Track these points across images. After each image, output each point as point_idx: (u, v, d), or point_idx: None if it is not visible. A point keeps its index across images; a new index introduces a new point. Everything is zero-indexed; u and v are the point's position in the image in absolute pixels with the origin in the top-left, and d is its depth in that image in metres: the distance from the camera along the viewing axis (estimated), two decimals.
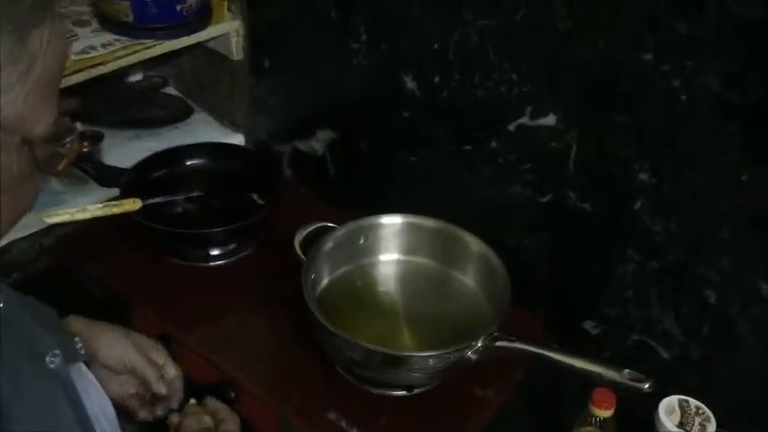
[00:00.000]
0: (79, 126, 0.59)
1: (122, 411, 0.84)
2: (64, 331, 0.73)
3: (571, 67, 0.95)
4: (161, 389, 0.86)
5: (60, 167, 0.56)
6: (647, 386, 0.82)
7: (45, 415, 0.60)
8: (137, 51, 1.21)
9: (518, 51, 0.99)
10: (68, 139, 0.56)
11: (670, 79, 0.86)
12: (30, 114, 0.51)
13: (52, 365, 0.63)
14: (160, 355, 0.88)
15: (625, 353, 1.06)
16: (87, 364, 0.75)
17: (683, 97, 0.86)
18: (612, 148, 0.96)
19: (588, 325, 1.09)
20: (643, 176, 0.94)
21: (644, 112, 0.91)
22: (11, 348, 0.59)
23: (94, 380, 0.74)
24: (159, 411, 0.88)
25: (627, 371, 0.83)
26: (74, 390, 0.67)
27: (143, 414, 0.87)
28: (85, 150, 0.57)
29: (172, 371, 0.88)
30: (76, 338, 0.74)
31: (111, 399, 0.78)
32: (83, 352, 0.74)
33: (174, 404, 0.87)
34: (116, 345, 0.84)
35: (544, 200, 1.06)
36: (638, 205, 0.97)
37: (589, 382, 0.89)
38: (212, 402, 0.88)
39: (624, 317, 1.05)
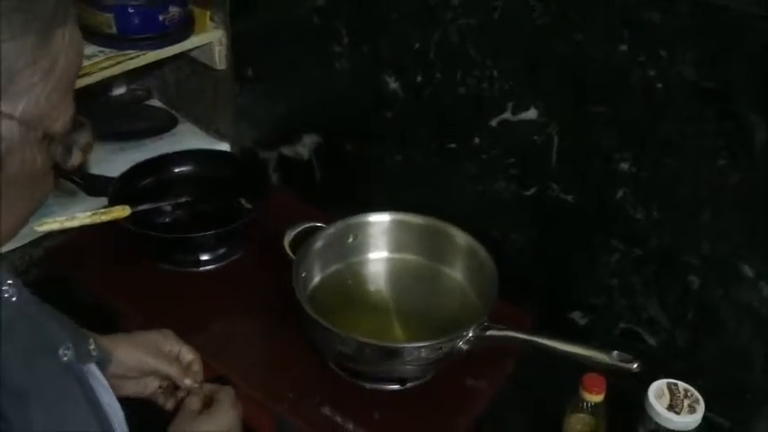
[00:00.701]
0: None
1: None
2: (77, 331, 0.74)
3: (550, 62, 0.98)
4: (187, 382, 0.86)
5: (76, 162, 0.58)
6: (635, 366, 0.83)
7: (62, 404, 0.61)
8: (120, 62, 1.22)
9: (498, 48, 1.02)
10: (83, 136, 0.57)
11: (646, 69, 0.89)
12: (51, 111, 0.53)
13: (65, 358, 0.65)
14: (173, 344, 0.89)
15: (613, 341, 1.08)
16: (100, 367, 0.76)
17: (659, 86, 0.89)
18: (593, 139, 0.98)
19: (576, 315, 1.11)
20: (624, 166, 0.97)
21: (622, 102, 0.93)
22: (26, 340, 0.60)
23: (105, 382, 0.75)
24: (181, 395, 0.88)
25: (615, 352, 0.85)
26: (88, 384, 0.68)
27: (170, 405, 0.88)
28: (80, 161, 0.59)
29: (189, 355, 0.89)
30: (90, 339, 0.76)
31: (138, 398, 0.80)
32: (95, 354, 0.75)
33: (195, 386, 0.87)
34: (131, 356, 0.85)
35: (528, 193, 1.08)
36: (620, 194, 0.99)
37: (580, 370, 0.91)
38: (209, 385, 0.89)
39: (610, 306, 1.07)
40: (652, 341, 1.04)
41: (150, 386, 0.87)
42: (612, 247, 1.03)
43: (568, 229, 1.07)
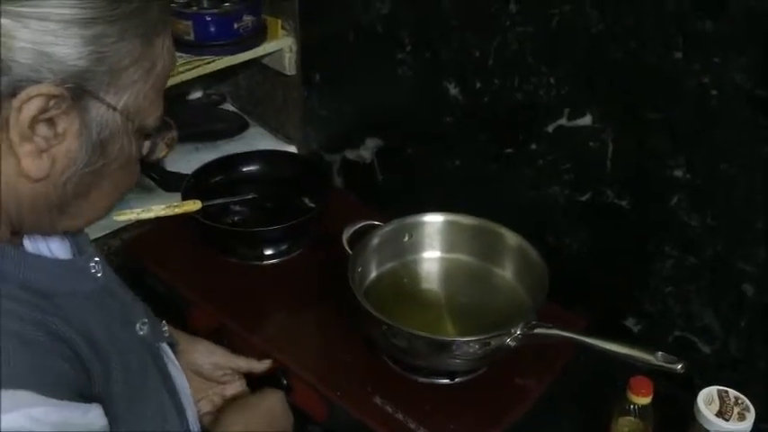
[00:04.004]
0: None
1: None
2: (152, 314, 0.81)
3: (605, 69, 0.99)
4: (260, 366, 1.01)
5: (161, 155, 0.65)
6: (679, 367, 0.84)
7: (138, 372, 0.68)
8: (197, 67, 1.30)
9: (555, 55, 1.04)
10: (168, 132, 0.64)
11: (700, 76, 0.90)
12: (147, 107, 0.59)
13: (141, 332, 0.72)
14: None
15: (667, 349, 1.07)
16: (172, 348, 0.83)
17: (714, 93, 0.89)
18: (647, 145, 0.99)
19: (630, 322, 1.11)
20: (678, 172, 0.97)
21: (676, 109, 0.94)
22: (109, 311, 0.68)
23: (176, 361, 0.81)
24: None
25: (660, 353, 0.85)
26: (161, 358, 0.75)
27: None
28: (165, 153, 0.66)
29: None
30: (163, 321, 0.83)
31: None
32: (167, 335, 0.82)
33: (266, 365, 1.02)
34: (212, 352, 0.98)
35: (583, 198, 1.09)
36: (674, 201, 0.99)
37: (628, 373, 0.91)
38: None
39: (665, 313, 1.07)
40: (706, 349, 1.04)
41: (204, 404, 0.96)
42: (667, 254, 1.03)
43: (622, 235, 1.08)
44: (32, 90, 0.52)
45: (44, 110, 0.53)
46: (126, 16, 0.55)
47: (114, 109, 0.56)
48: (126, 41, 0.55)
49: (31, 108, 0.52)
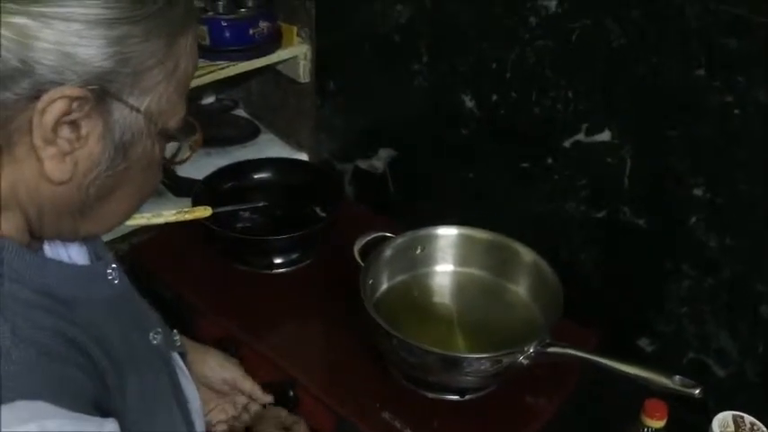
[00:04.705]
0: None
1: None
2: (164, 323, 0.80)
3: (625, 84, 0.98)
4: (265, 397, 0.98)
5: (184, 157, 0.63)
6: (697, 392, 0.82)
7: (151, 380, 0.67)
8: (212, 72, 1.30)
9: (574, 69, 1.03)
10: (192, 134, 0.63)
11: (722, 94, 0.88)
12: (170, 109, 0.58)
13: (155, 342, 0.71)
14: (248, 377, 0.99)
15: (681, 371, 1.05)
16: (182, 357, 0.81)
17: (736, 112, 0.88)
18: (667, 163, 0.98)
19: (643, 342, 1.10)
20: (698, 191, 0.96)
21: (697, 126, 0.93)
22: (125, 319, 0.66)
23: (187, 371, 0.80)
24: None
25: (678, 377, 0.84)
26: (172, 368, 0.73)
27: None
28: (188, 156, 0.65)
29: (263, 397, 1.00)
30: (175, 331, 0.82)
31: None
32: (179, 344, 0.81)
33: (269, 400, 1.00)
34: (224, 367, 0.96)
35: (599, 215, 1.08)
36: (692, 220, 0.98)
37: (642, 395, 0.90)
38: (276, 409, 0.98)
39: (679, 334, 1.05)
40: (721, 372, 1.02)
41: (216, 413, 0.96)
42: (683, 274, 1.02)
43: (638, 254, 1.06)
44: (56, 92, 0.50)
45: (67, 112, 0.51)
46: (151, 16, 0.53)
47: (138, 111, 0.55)
48: (150, 42, 0.54)
49: (55, 110, 0.51)
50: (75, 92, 0.51)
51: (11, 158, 0.53)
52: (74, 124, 0.53)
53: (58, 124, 0.52)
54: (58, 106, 0.51)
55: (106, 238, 1.22)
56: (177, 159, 0.63)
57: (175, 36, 0.56)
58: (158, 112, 0.57)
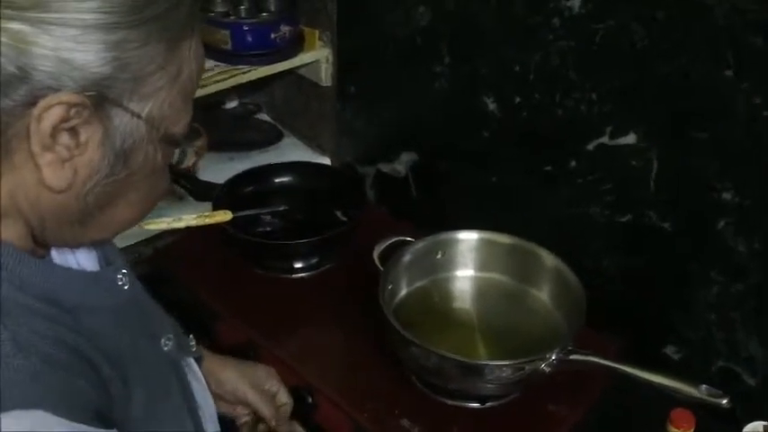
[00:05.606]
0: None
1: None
2: (177, 326, 0.79)
3: (651, 86, 0.96)
4: (276, 425, 0.92)
5: (190, 163, 0.62)
6: (725, 402, 0.80)
7: (159, 390, 0.66)
8: (233, 76, 1.30)
9: (598, 71, 1.01)
10: (197, 140, 0.62)
11: (751, 96, 0.86)
12: (172, 114, 0.57)
13: (166, 348, 0.70)
14: (274, 384, 0.94)
15: (710, 380, 1.03)
16: (198, 362, 0.81)
17: (765, 113, 0.85)
18: (694, 166, 0.95)
19: (670, 350, 1.07)
20: (726, 195, 0.93)
21: (725, 129, 0.90)
22: (134, 325, 0.66)
23: (202, 377, 0.79)
24: (261, 428, 0.94)
25: (704, 386, 0.81)
26: (184, 375, 0.73)
27: None
28: (193, 162, 0.63)
29: (284, 398, 0.94)
30: (191, 336, 0.81)
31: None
32: (194, 349, 0.80)
33: (280, 428, 0.93)
34: (234, 382, 0.91)
35: (623, 220, 1.06)
36: (721, 224, 0.95)
37: (667, 404, 0.87)
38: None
39: (708, 342, 1.02)
40: (750, 381, 0.99)
41: (239, 412, 0.93)
42: (711, 280, 0.99)
43: (664, 259, 1.04)
44: (52, 98, 0.50)
45: (65, 119, 0.51)
46: (150, 20, 0.52)
47: (139, 117, 0.54)
48: (150, 46, 0.53)
49: (52, 117, 0.50)
50: (73, 98, 0.50)
51: (10, 165, 0.53)
52: (73, 131, 0.52)
53: (56, 131, 0.51)
54: (56, 112, 0.50)
55: (130, 242, 1.24)
56: (182, 165, 0.62)
57: (177, 40, 0.55)
58: (161, 118, 0.56)
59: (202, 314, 1.13)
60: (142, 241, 1.26)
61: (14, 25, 0.48)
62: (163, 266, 1.22)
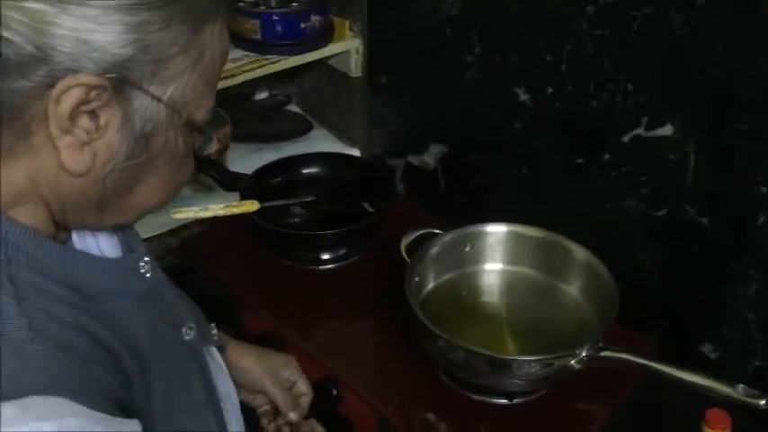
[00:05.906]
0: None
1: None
2: (201, 315, 0.79)
3: (689, 75, 0.93)
4: (291, 416, 0.90)
5: (213, 150, 0.61)
6: (762, 402, 0.77)
7: (179, 379, 0.65)
8: (263, 66, 1.29)
9: (634, 60, 0.98)
10: (221, 127, 0.61)
11: None
12: (195, 99, 0.56)
13: (187, 337, 0.69)
14: (293, 373, 0.92)
15: (747, 380, 1.00)
16: (220, 351, 0.80)
17: None
18: (734, 158, 0.92)
19: (707, 348, 1.04)
20: (766, 189, 0.90)
21: (766, 120, 0.87)
22: (155, 313, 0.65)
23: (224, 366, 0.78)
24: (281, 421, 0.92)
25: (741, 386, 0.78)
26: (205, 365, 0.72)
27: (271, 429, 0.92)
28: (216, 149, 0.62)
29: (303, 388, 0.92)
30: (212, 324, 0.80)
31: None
32: (216, 338, 0.79)
33: (298, 418, 0.91)
34: (252, 371, 0.89)
35: (659, 214, 1.03)
36: (761, 220, 0.92)
37: (702, 404, 0.85)
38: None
39: (745, 340, 0.99)
40: None
41: (259, 401, 0.92)
42: (750, 277, 0.96)
43: (701, 255, 1.01)
44: (71, 80, 0.49)
45: (85, 101, 0.50)
46: (173, 2, 0.51)
47: (159, 101, 0.53)
48: (172, 29, 0.52)
49: (71, 99, 0.49)
50: (92, 80, 0.50)
51: (30, 148, 0.52)
52: (92, 114, 0.51)
53: (75, 113, 0.50)
54: (74, 94, 0.49)
55: (157, 231, 1.25)
56: (204, 152, 0.61)
57: (200, 23, 0.54)
58: (183, 103, 0.55)
59: (229, 304, 1.13)
60: (168, 231, 1.26)
61: (33, 5, 0.47)
62: (190, 257, 1.23)
